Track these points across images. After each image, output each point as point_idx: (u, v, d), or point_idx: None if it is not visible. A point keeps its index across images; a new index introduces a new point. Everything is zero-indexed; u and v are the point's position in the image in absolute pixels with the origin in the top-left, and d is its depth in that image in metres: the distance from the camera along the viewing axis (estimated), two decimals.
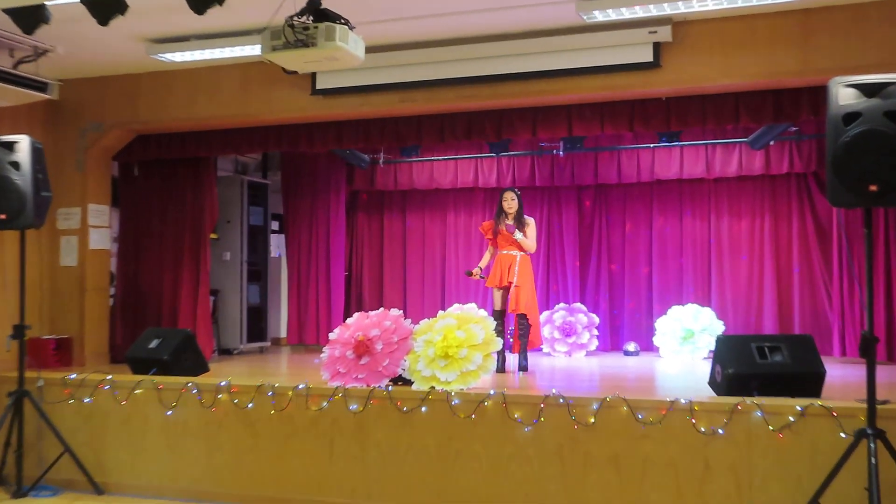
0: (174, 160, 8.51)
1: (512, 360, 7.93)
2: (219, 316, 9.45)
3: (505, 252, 7.40)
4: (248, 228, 9.65)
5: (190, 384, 5.91)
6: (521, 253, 7.32)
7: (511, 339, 9.10)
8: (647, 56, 6.32)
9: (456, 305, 6.08)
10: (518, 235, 7.29)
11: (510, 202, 7.40)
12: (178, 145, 8.15)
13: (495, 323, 5.87)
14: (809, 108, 6.44)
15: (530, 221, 7.43)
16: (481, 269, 7.65)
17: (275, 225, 10.42)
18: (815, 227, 8.91)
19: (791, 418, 4.67)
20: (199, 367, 6.61)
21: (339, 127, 7.65)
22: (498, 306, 7.39)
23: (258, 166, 10.77)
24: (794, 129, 8.49)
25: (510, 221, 7.39)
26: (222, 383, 5.82)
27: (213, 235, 9.00)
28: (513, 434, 5.16)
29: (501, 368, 7.17)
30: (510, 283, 7.25)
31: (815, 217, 8.93)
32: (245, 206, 9.62)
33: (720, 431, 4.77)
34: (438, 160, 10.02)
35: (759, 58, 6.16)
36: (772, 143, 8.58)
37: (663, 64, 6.35)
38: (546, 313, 9.32)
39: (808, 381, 5.07)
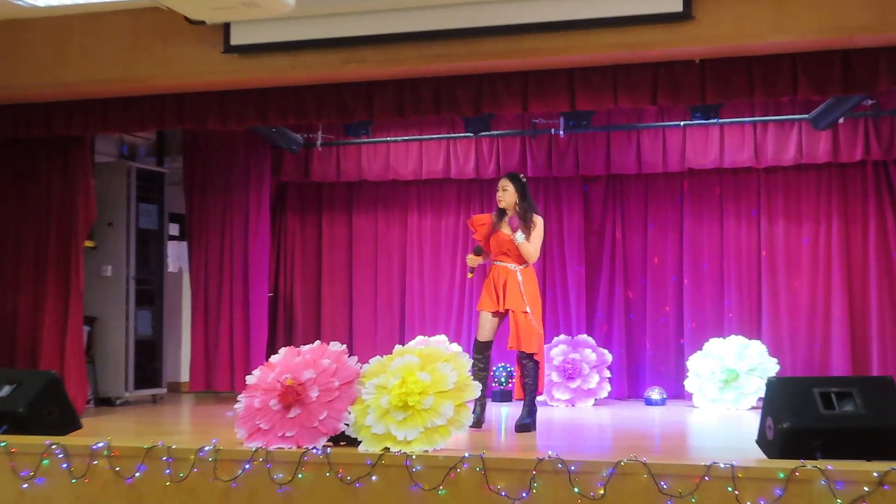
0: (34, 141, 8.43)
1: (496, 412, 7.95)
2: (96, 353, 9.35)
3: (498, 263, 7.20)
4: (136, 233, 9.57)
5: (54, 446, 5.83)
6: (521, 266, 7.15)
7: (496, 384, 9.15)
8: (675, 4, 6.37)
9: (419, 338, 6.10)
10: (519, 237, 7.04)
11: (501, 193, 7.19)
12: (41, 120, 8.09)
13: (471, 360, 5.84)
14: (890, 74, 6.53)
15: (537, 221, 7.19)
16: (474, 269, 7.37)
17: (173, 229, 10.36)
18: None
19: (866, 488, 4.70)
20: (68, 423, 6.53)
21: (262, 96, 7.63)
22: (485, 336, 7.17)
23: (151, 149, 10.69)
24: (869, 102, 8.61)
25: (509, 217, 7.19)
26: (99, 445, 5.75)
27: (88, 243, 8.92)
28: None
29: (479, 422, 7.12)
30: (510, 309, 7.04)
31: None
32: (133, 204, 9.54)
33: None
34: (396, 142, 10.03)
35: (824, 8, 6.23)
36: (841, 121, 8.69)
37: (697, 15, 6.40)
38: None
39: (888, 439, 5.11)
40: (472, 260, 7.29)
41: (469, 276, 7.50)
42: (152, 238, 9.84)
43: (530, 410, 7.12)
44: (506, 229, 7.15)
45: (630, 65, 6.93)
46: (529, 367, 7.10)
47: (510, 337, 7.11)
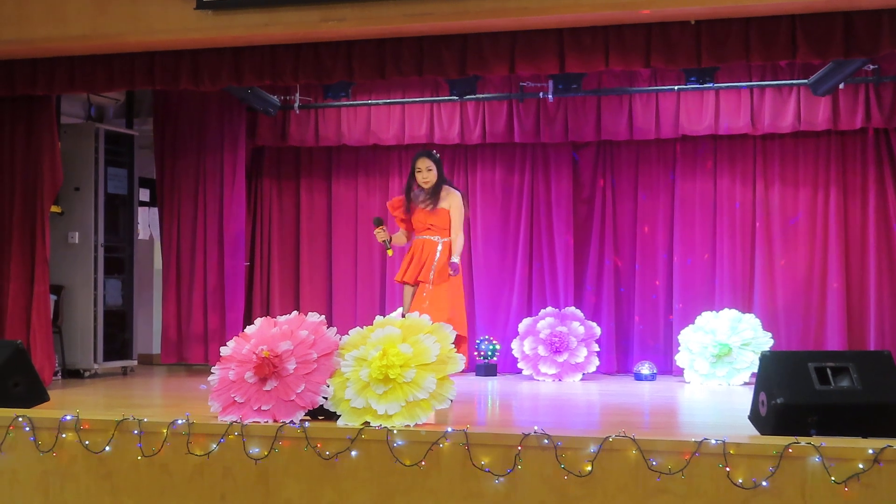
0: None
1: (480, 386, 7.98)
2: (63, 323, 9.35)
3: (422, 237, 7.36)
4: (105, 199, 9.56)
5: (20, 419, 5.83)
6: (445, 239, 7.28)
7: (481, 358, 9.23)
8: None
9: (401, 309, 6.10)
10: (456, 260, 7.24)
11: (426, 173, 7.29)
12: (3, 79, 8.04)
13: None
14: (893, 37, 6.55)
15: (454, 194, 7.34)
16: (390, 241, 7.47)
17: (144, 194, 10.33)
18: None
19: (861, 465, 4.74)
20: (35, 395, 6.53)
21: (236, 56, 7.60)
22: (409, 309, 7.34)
23: (120, 110, 10.63)
24: (871, 67, 8.62)
25: (427, 197, 7.32)
26: (67, 418, 5.75)
27: (54, 208, 8.89)
28: (479, 488, 5.17)
29: None
30: (425, 278, 7.23)
31: None
32: (101, 167, 9.52)
33: (764, 484, 4.84)
34: (378, 105, 10.00)
35: None
36: (841, 86, 8.70)
37: None
38: (527, 321, 9.38)
39: (885, 415, 5.17)
40: (380, 234, 7.40)
41: (389, 253, 7.59)
42: (121, 203, 9.82)
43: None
44: (417, 217, 7.29)
45: (622, 25, 6.92)
46: None
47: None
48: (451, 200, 7.32)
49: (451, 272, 7.22)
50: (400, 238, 7.54)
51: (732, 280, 9.49)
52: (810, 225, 9.36)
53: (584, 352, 9.12)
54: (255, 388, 5.62)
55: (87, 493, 5.72)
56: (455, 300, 7.32)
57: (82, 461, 5.73)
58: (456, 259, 7.24)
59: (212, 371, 5.88)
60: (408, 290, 7.36)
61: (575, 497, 5.06)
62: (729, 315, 8.98)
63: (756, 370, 5.63)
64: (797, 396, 5.16)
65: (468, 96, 9.29)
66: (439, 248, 7.26)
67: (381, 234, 7.39)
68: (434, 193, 7.28)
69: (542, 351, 9.11)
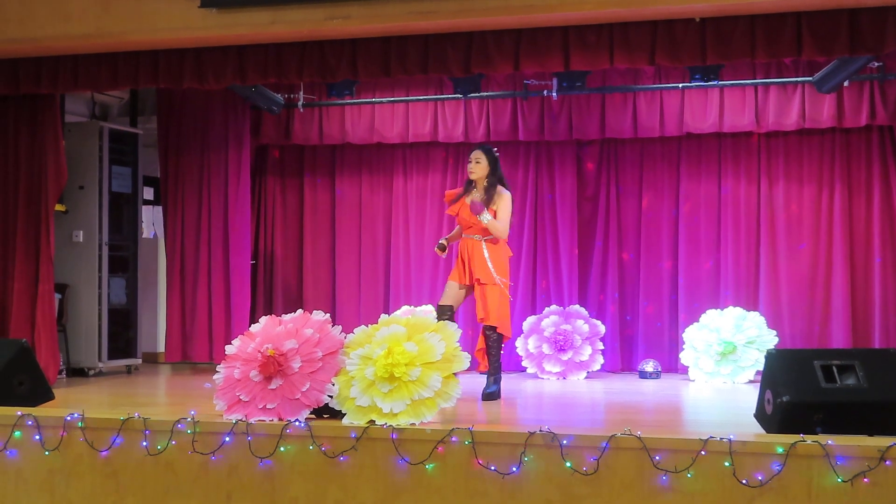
0: (1, 99, 8.37)
1: (482, 383, 7.97)
2: (67, 322, 9.36)
3: (466, 236, 7.48)
4: (109, 197, 9.56)
5: (26, 417, 5.84)
6: (486, 238, 7.37)
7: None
8: None
9: (405, 308, 6.10)
10: (486, 217, 7.27)
11: (473, 165, 7.45)
12: (7, 77, 8.03)
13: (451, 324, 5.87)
14: None
15: (504, 195, 7.44)
16: (447, 243, 7.77)
17: (148, 193, 10.33)
18: None
19: (867, 464, 4.75)
20: (40, 394, 6.56)
21: (240, 54, 7.59)
22: (445, 300, 7.44)
23: (124, 109, 10.64)
24: (875, 64, 8.61)
25: (478, 193, 7.42)
26: (73, 416, 5.76)
27: (58, 207, 8.90)
28: (484, 486, 5.18)
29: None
30: (476, 280, 7.33)
31: None
32: (105, 166, 9.52)
33: (770, 482, 4.84)
34: (382, 103, 10.00)
35: None
36: (846, 83, 8.70)
37: None
38: (532, 319, 9.37)
39: (891, 413, 5.16)
40: (439, 252, 7.72)
41: (442, 255, 7.86)
42: (126, 202, 9.82)
43: (496, 379, 7.40)
44: (465, 212, 7.42)
45: (627, 23, 6.92)
46: (493, 338, 7.40)
47: (478, 308, 7.43)
48: (500, 201, 7.39)
49: (473, 208, 7.27)
50: (456, 232, 7.76)
51: (737, 278, 9.49)
52: (815, 222, 9.35)
53: (588, 350, 9.12)
54: (261, 387, 5.63)
55: (93, 492, 5.74)
56: (506, 301, 7.47)
57: (87, 460, 5.74)
58: (487, 216, 7.26)
59: (217, 369, 5.89)
60: (451, 285, 7.47)
61: (580, 495, 5.06)
62: (733, 313, 8.98)
63: (761, 368, 5.62)
64: (803, 394, 5.16)
65: (472, 94, 9.29)
66: (484, 247, 7.37)
67: (440, 252, 7.70)
68: (487, 193, 7.38)
69: (546, 349, 9.11)
